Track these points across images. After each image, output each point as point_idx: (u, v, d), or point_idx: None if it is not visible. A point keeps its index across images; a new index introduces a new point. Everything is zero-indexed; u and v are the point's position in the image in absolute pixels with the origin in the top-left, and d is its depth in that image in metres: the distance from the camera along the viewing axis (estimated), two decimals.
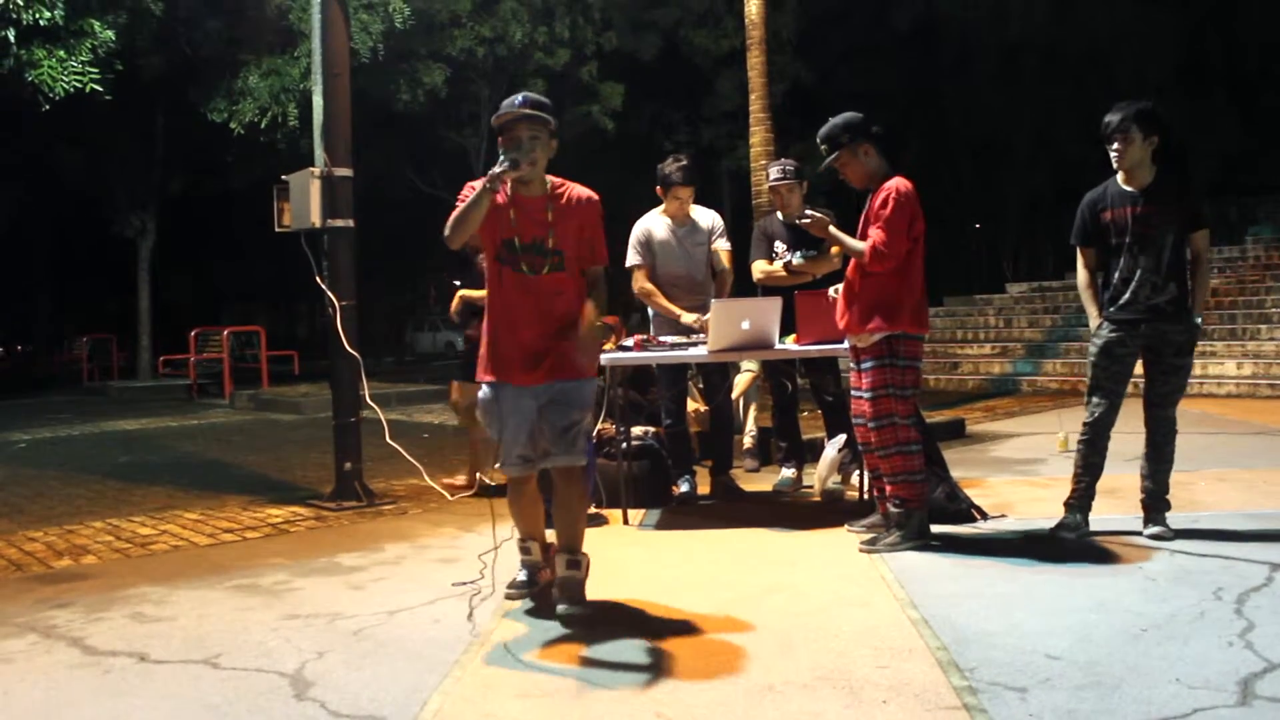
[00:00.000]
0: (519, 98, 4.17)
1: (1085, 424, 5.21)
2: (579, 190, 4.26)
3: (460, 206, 4.04)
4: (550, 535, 4.42)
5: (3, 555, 5.70)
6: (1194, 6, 26.60)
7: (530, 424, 4.15)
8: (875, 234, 4.93)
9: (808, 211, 5.23)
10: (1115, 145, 5.00)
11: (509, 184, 4.13)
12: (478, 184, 4.02)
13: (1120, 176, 5.09)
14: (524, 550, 4.40)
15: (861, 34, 25.99)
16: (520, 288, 4.15)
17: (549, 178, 4.23)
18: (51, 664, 3.78)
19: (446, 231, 4.05)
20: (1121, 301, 5.07)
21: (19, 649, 3.96)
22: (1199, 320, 5.10)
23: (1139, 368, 5.16)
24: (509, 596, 4.33)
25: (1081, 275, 5.30)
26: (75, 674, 3.66)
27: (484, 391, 4.24)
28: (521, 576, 4.39)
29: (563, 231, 4.17)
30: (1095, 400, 5.17)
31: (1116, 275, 5.09)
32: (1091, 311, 5.24)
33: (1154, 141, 4.98)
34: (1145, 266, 4.99)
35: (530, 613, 4.21)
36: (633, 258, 6.63)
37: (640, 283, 6.62)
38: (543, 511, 4.42)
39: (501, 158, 3.99)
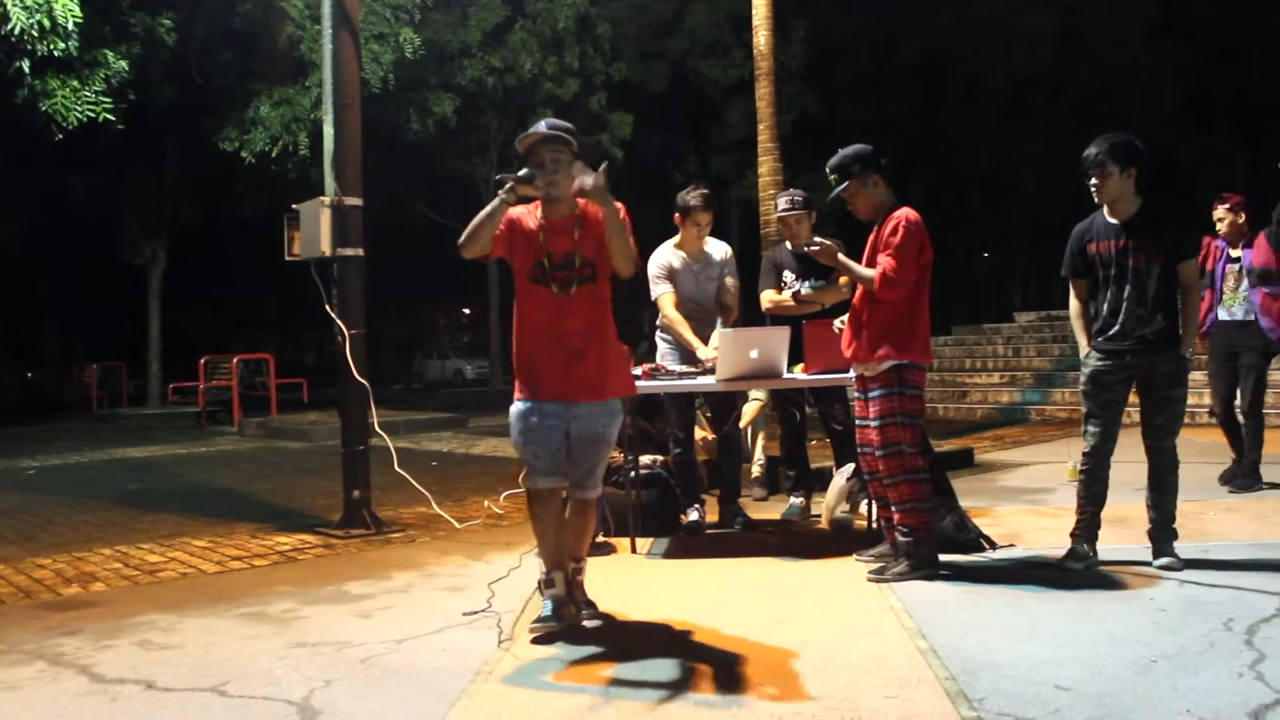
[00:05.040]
0: (544, 124, 4.28)
1: (1084, 454, 5.21)
2: None
3: (477, 216, 4.15)
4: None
5: (11, 582, 5.71)
6: (1201, 42, 26.74)
7: (559, 438, 4.26)
8: (885, 261, 4.94)
9: (815, 239, 5.24)
10: (1093, 180, 5.03)
11: (540, 210, 4.29)
12: (494, 200, 4.16)
13: (1105, 209, 5.11)
14: (548, 584, 4.34)
15: (870, 65, 26.14)
16: (552, 307, 4.25)
17: (578, 201, 4.28)
18: (59, 692, 3.78)
19: (461, 239, 4.18)
20: (1110, 333, 5.08)
21: (27, 676, 3.96)
22: (1189, 353, 5.08)
23: (1135, 398, 5.16)
24: (534, 635, 4.17)
25: (1074, 305, 5.34)
26: (83, 702, 3.66)
27: (516, 407, 4.32)
28: (546, 611, 4.28)
29: (591, 242, 4.26)
30: (1090, 430, 5.17)
31: (1105, 307, 5.10)
32: (1081, 341, 5.26)
33: (1133, 174, 4.99)
34: (1131, 298, 4.99)
35: (538, 643, 4.17)
36: (661, 286, 6.57)
37: (669, 310, 6.53)
38: (566, 540, 4.40)
39: (523, 170, 4.16)
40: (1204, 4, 26.27)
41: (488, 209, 4.13)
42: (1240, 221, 7.49)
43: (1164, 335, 4.99)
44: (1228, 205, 7.52)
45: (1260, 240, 7.32)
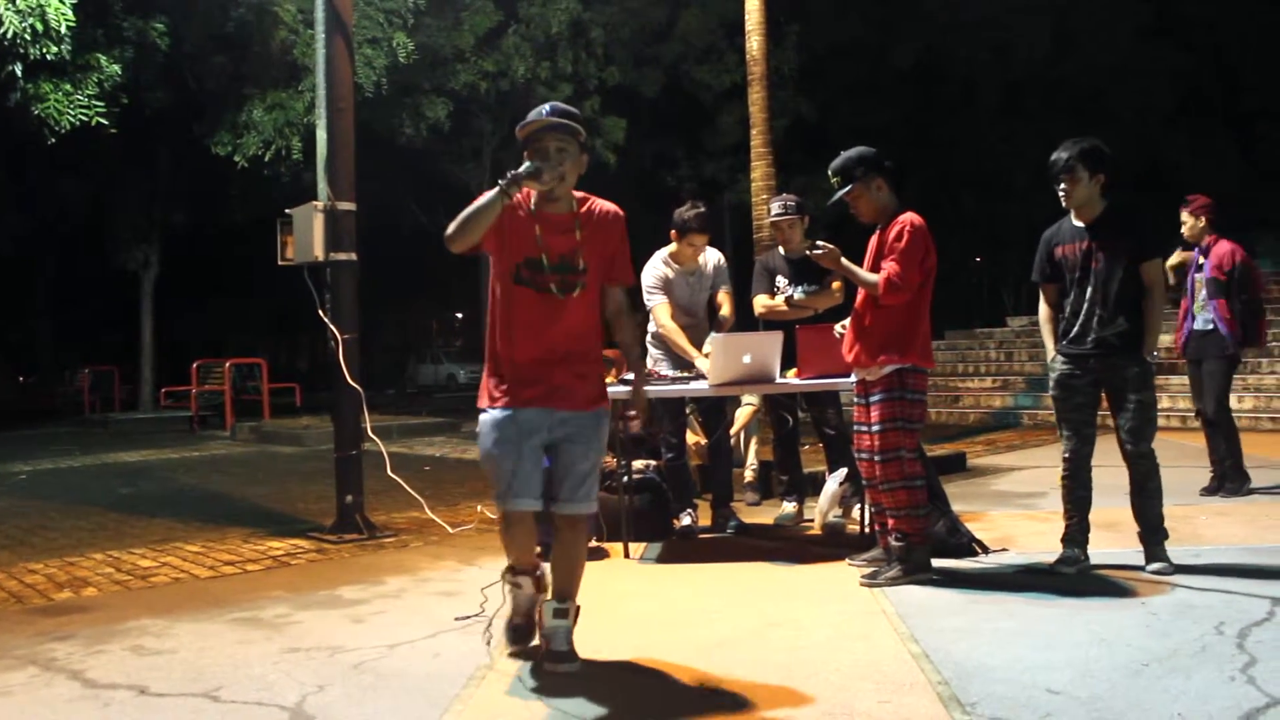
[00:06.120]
0: (546, 107, 3.92)
1: (1063, 459, 5.24)
2: (605, 205, 4.03)
3: (469, 207, 3.75)
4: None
5: (3, 587, 5.69)
6: (1194, 44, 26.80)
7: (539, 456, 3.85)
8: (890, 266, 4.94)
9: (818, 243, 5.20)
10: (1062, 185, 5.08)
11: (532, 199, 3.91)
12: (490, 191, 3.74)
13: (1073, 213, 5.15)
14: (515, 585, 4.06)
15: (863, 70, 26.15)
16: (541, 309, 3.85)
17: (575, 193, 3.98)
18: (51, 697, 3.77)
19: (450, 231, 3.74)
20: (1071, 335, 5.13)
21: (19, 681, 3.95)
22: (1154, 355, 5.09)
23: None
24: (514, 654, 4.01)
25: (1043, 310, 5.39)
26: (75, 707, 3.65)
27: (490, 416, 3.88)
28: (519, 620, 4.10)
29: (591, 248, 3.91)
30: (1065, 435, 5.21)
31: (1069, 309, 5.15)
32: (1049, 345, 5.31)
33: (1101, 179, 5.03)
34: (1093, 300, 5.03)
35: (533, 646, 4.15)
36: (656, 297, 6.53)
37: (665, 320, 6.49)
38: (555, 572, 4.01)
39: (526, 165, 3.78)
40: (1196, 6, 26.35)
41: (482, 201, 3.71)
42: (1201, 225, 7.45)
43: (1125, 338, 5.01)
44: (1190, 209, 7.48)
45: (1226, 253, 7.31)
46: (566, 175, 3.85)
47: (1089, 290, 5.05)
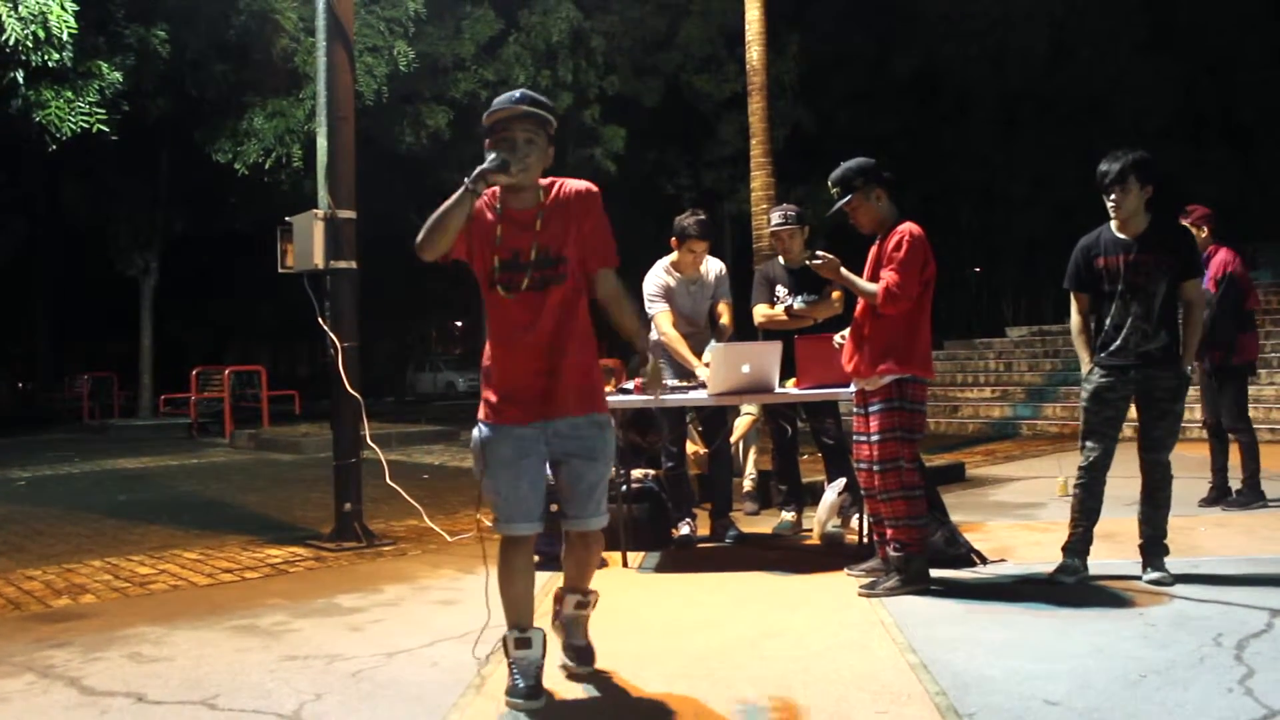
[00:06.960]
0: (517, 94, 3.61)
1: (1080, 469, 5.23)
2: (571, 184, 3.67)
3: (437, 211, 3.47)
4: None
5: (1, 594, 5.68)
6: (1192, 56, 26.89)
7: (537, 473, 3.61)
8: (889, 275, 4.95)
9: (818, 253, 5.20)
10: (1113, 196, 5.03)
11: (499, 197, 3.63)
12: (456, 192, 3.46)
13: (1114, 223, 5.13)
14: (521, 644, 3.62)
15: (862, 80, 26.25)
16: (519, 311, 3.57)
17: (541, 182, 3.64)
18: (48, 704, 3.76)
19: (419, 237, 3.49)
20: (1113, 348, 5.10)
21: (16, 689, 3.95)
22: (1190, 369, 5.11)
23: (1132, 412, 5.18)
24: (513, 707, 3.54)
25: (1075, 320, 5.34)
26: (72, 714, 3.65)
27: (481, 433, 3.65)
28: (521, 682, 3.56)
29: (557, 235, 3.58)
30: (1089, 445, 5.18)
31: (1109, 322, 5.13)
32: (1084, 356, 5.27)
33: (1149, 191, 5.02)
34: (1136, 314, 5.02)
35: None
36: (658, 305, 6.55)
37: (666, 328, 6.50)
38: (534, 587, 3.77)
39: (491, 156, 3.48)
40: (1193, 18, 26.45)
41: (450, 202, 3.43)
42: (1204, 235, 7.36)
43: (1167, 351, 5.03)
44: (1190, 219, 7.36)
45: (1221, 262, 7.27)
46: (531, 167, 3.54)
47: (1134, 305, 5.03)
